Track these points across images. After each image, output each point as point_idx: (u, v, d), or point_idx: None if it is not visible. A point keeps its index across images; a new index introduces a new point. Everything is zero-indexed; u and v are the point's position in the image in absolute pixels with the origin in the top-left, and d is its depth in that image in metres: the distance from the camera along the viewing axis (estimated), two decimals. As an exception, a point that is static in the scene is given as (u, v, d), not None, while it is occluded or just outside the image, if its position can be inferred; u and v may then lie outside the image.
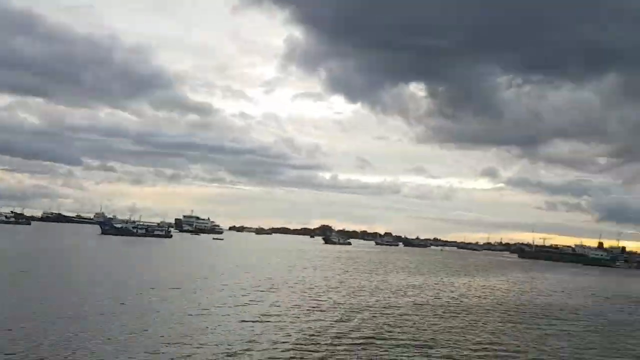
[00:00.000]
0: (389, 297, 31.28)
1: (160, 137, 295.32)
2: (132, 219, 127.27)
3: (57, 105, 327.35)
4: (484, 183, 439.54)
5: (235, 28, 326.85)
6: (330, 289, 33.39)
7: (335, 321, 21.49)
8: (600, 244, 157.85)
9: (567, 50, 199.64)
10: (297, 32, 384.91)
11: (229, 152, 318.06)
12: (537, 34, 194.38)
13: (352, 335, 18.78)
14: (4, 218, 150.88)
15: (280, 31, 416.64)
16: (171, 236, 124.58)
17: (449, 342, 18.88)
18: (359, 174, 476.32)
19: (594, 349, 19.84)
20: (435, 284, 44.25)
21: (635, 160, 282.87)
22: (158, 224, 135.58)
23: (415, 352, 16.93)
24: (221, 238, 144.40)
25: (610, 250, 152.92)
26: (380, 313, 24.61)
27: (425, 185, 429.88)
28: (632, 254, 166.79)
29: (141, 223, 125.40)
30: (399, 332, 20.03)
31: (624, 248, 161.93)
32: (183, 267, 42.75)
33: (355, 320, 22.22)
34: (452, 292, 38.16)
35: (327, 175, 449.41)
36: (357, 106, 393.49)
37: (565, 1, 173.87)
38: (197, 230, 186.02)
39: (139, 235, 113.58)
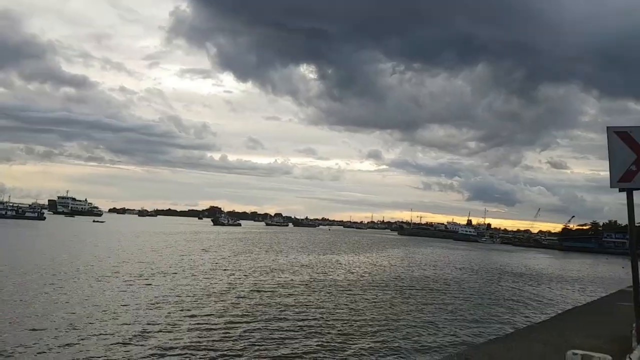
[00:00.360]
0: (279, 277, 32.05)
1: (31, 112, 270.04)
2: (1, 199, 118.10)
3: None
4: (369, 165, 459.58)
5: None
6: (222, 272, 33.39)
7: (230, 303, 21.70)
8: (469, 221, 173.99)
9: (443, 41, 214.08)
10: (184, 4, 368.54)
11: (107, 129, 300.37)
12: (417, 24, 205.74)
13: (246, 316, 19.15)
14: None
15: (164, 2, 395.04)
16: (44, 218, 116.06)
17: (339, 318, 20.02)
18: (250, 155, 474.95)
19: (466, 317, 22.17)
20: (324, 262, 45.99)
21: (499, 145, 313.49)
22: (30, 205, 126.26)
23: (308, 330, 17.75)
24: (102, 220, 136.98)
25: (477, 226, 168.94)
26: (272, 293, 25.22)
27: (315, 167, 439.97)
28: (495, 229, 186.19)
29: (10, 204, 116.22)
30: (290, 312, 20.76)
31: (489, 225, 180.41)
32: (63, 251, 39.98)
33: (249, 301, 22.60)
34: (339, 269, 39.99)
35: (216, 156, 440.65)
36: (248, 85, 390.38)
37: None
38: (73, 213, 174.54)
39: (8, 217, 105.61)
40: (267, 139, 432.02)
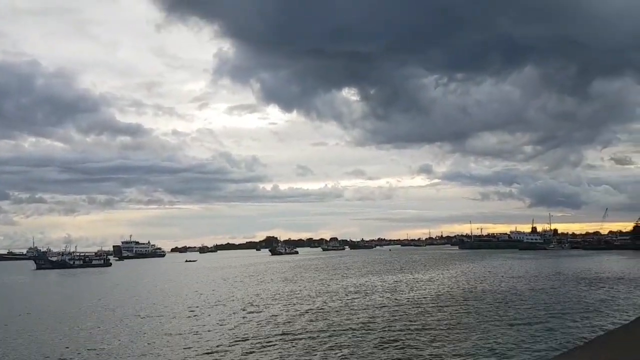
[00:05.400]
0: (352, 299, 31.89)
1: (90, 163, 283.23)
2: (68, 250, 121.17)
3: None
4: (420, 180, 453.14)
5: (160, 45, 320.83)
6: (287, 298, 33.60)
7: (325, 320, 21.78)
8: (534, 228, 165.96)
9: (485, 47, 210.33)
10: (226, 46, 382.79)
11: (164, 171, 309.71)
12: (455, 33, 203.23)
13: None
14: None
15: (207, 46, 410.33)
16: (110, 264, 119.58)
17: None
18: (300, 182, 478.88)
19: (543, 327, 21.32)
20: (392, 281, 45.36)
21: (557, 147, 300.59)
22: (95, 253, 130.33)
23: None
24: (194, 260, 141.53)
25: (543, 233, 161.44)
26: (378, 321, 25.13)
27: (365, 187, 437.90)
28: (563, 235, 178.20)
29: (77, 254, 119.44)
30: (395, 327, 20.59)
31: (555, 230, 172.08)
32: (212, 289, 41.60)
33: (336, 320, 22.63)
34: (412, 288, 39.30)
35: (268, 187, 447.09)
36: (293, 115, 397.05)
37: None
38: (138, 256, 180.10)
39: (77, 267, 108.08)
40: (316, 165, 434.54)
